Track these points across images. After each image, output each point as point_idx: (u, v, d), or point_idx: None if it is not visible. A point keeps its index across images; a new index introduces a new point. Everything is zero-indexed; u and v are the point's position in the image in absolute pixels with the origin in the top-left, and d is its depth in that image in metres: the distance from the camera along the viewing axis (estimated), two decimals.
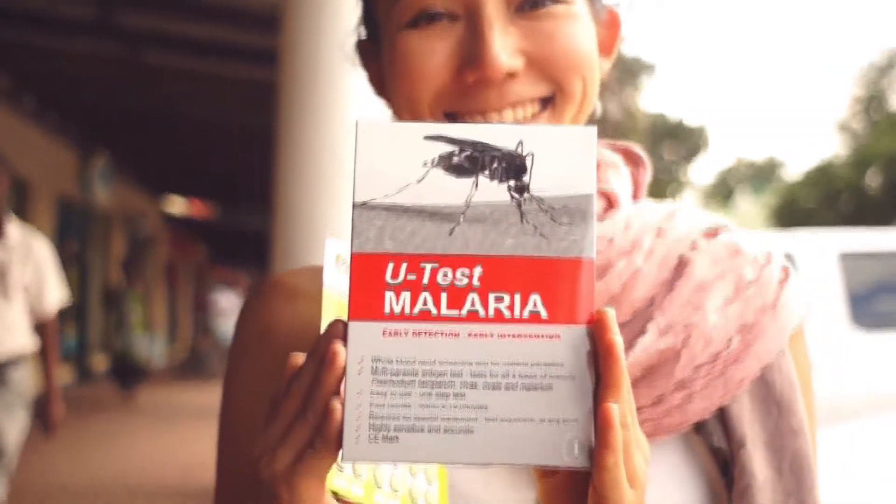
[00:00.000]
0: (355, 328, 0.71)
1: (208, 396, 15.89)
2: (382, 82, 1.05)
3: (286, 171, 3.01)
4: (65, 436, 11.47)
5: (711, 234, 1.06)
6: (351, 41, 1.13)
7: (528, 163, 0.72)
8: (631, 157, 1.13)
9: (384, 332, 0.71)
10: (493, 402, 0.70)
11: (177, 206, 21.65)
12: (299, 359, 0.76)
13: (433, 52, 0.94)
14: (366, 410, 0.70)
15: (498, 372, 0.70)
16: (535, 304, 0.71)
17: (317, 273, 1.09)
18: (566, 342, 0.71)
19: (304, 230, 2.96)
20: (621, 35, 1.07)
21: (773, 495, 0.96)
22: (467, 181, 0.72)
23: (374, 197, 0.72)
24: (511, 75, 0.94)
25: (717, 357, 0.97)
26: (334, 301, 0.85)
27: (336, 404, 0.70)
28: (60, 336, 15.03)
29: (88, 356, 16.49)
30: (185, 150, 14.42)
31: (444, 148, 0.73)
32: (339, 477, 0.81)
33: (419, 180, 0.72)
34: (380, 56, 1.04)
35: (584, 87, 0.97)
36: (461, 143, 0.73)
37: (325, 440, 0.70)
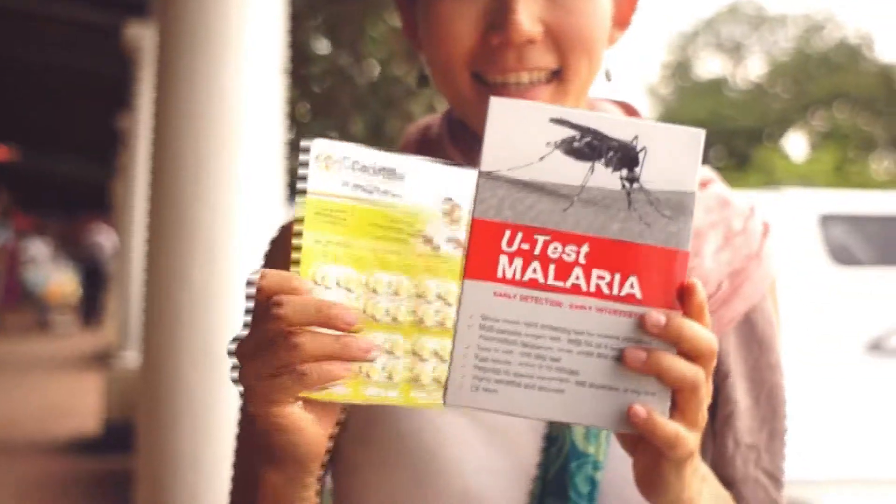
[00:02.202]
0: (469, 286, 0.79)
1: None
2: (414, 33, 1.11)
3: (163, 130, 3.00)
4: None
5: (703, 185, 1.15)
6: None
7: (640, 156, 0.80)
8: (631, 113, 1.19)
9: (495, 294, 0.78)
10: (584, 369, 0.78)
11: None
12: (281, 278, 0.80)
13: (463, 17, 1.01)
14: (471, 362, 0.78)
15: (592, 342, 0.78)
16: (632, 285, 0.79)
17: None
18: None
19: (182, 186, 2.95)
20: (637, 7, 1.13)
21: (751, 422, 1.08)
22: (584, 165, 0.79)
23: (499, 168, 0.79)
24: (530, 41, 1.01)
25: (710, 298, 1.06)
26: (316, 204, 0.83)
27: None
28: None
29: None
30: None
31: (566, 132, 0.80)
32: (371, 386, 0.83)
33: (542, 159, 0.79)
34: (415, 9, 1.10)
35: (589, 65, 1.04)
36: (583, 130, 0.80)
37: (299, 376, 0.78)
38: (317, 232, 0.83)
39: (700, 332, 0.79)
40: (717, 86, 32.74)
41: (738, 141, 28.06)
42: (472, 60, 1.03)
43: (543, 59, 1.02)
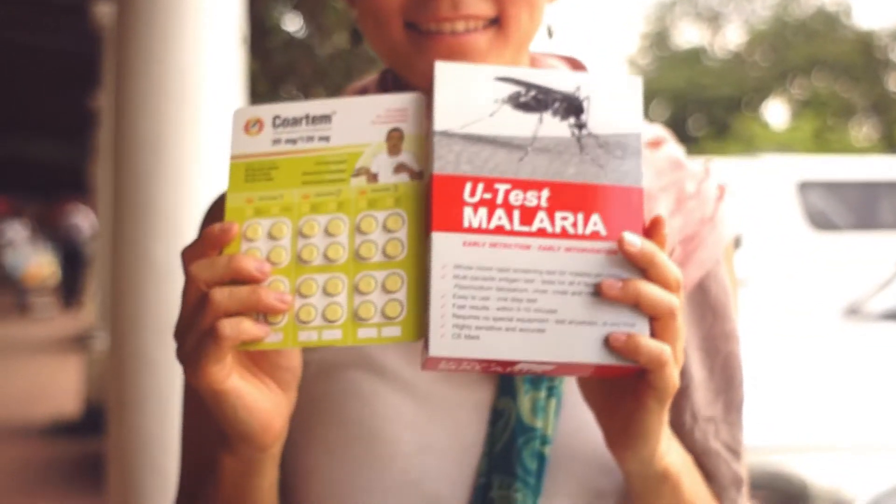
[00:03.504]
0: (438, 238, 0.80)
1: None
2: None
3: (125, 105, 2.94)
4: None
5: (655, 145, 1.10)
6: None
7: (584, 105, 0.84)
8: (576, 66, 1.14)
9: (464, 243, 0.80)
10: (561, 307, 0.80)
11: None
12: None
13: None
14: (449, 311, 0.79)
15: (565, 280, 0.80)
16: (595, 223, 0.82)
17: None
18: (622, 256, 0.81)
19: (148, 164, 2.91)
20: None
21: (705, 394, 1.04)
22: (533, 117, 0.84)
23: (452, 126, 0.83)
24: None
25: None
26: (241, 167, 0.87)
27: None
28: None
29: None
30: None
31: (512, 88, 0.84)
32: (306, 330, 0.81)
33: (492, 115, 0.83)
34: None
35: (530, 16, 0.99)
36: (527, 85, 0.84)
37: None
38: (243, 192, 0.85)
39: (669, 261, 0.80)
40: (696, 55, 32.71)
41: (718, 110, 28.05)
42: (404, 9, 0.98)
43: (479, 7, 0.97)
